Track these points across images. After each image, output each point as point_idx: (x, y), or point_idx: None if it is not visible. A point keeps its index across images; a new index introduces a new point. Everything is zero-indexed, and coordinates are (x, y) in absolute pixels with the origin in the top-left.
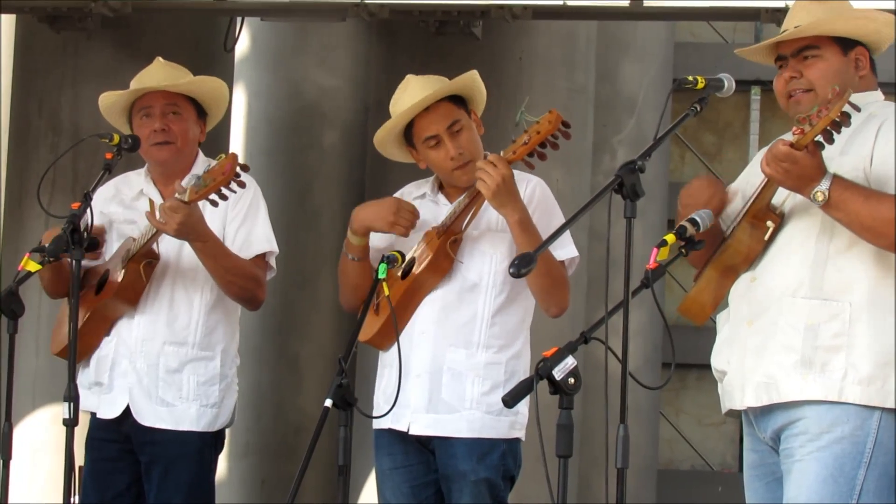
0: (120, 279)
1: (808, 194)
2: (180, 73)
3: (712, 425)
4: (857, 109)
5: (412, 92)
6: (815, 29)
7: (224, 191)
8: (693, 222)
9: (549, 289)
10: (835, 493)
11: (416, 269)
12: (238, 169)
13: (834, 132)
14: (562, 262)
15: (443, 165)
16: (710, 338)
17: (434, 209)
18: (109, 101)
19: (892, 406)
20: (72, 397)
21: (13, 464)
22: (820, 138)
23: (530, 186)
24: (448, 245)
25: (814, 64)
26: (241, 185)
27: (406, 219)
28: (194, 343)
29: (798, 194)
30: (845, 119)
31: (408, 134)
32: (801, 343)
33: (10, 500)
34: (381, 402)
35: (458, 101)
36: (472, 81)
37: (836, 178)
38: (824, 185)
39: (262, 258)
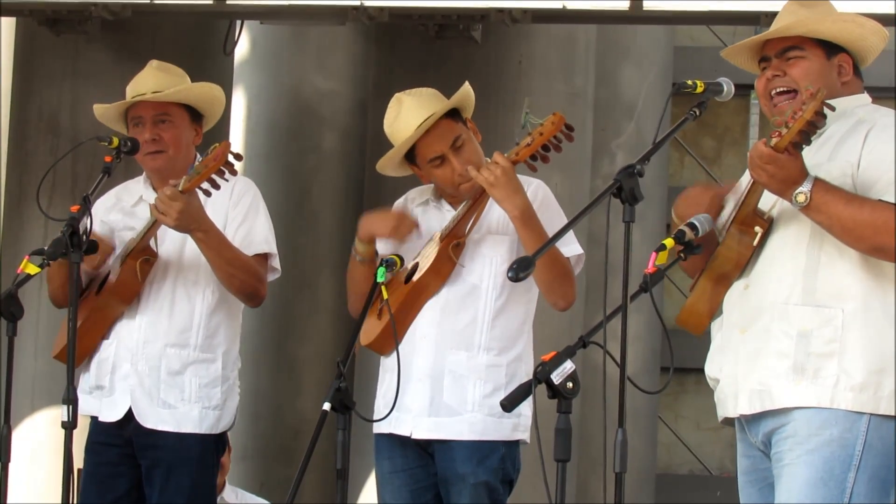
0: (116, 277)
1: (790, 196)
2: (173, 77)
3: (711, 430)
4: (832, 108)
5: (408, 114)
6: (801, 28)
7: (216, 178)
8: (692, 227)
9: (553, 282)
10: (825, 497)
11: (418, 273)
12: (231, 158)
13: (810, 133)
14: (567, 258)
15: (449, 182)
16: (708, 342)
17: (438, 215)
18: (101, 112)
19: (883, 412)
20: (70, 400)
21: (11, 466)
22: (797, 140)
23: (532, 188)
24: (450, 249)
25: (796, 64)
26: (234, 172)
27: (407, 227)
28: (196, 345)
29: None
30: (820, 119)
31: (409, 154)
32: (794, 349)
33: (8, 503)
34: (381, 406)
35: (454, 113)
36: (467, 95)
37: (818, 181)
38: (806, 187)
39: (262, 257)
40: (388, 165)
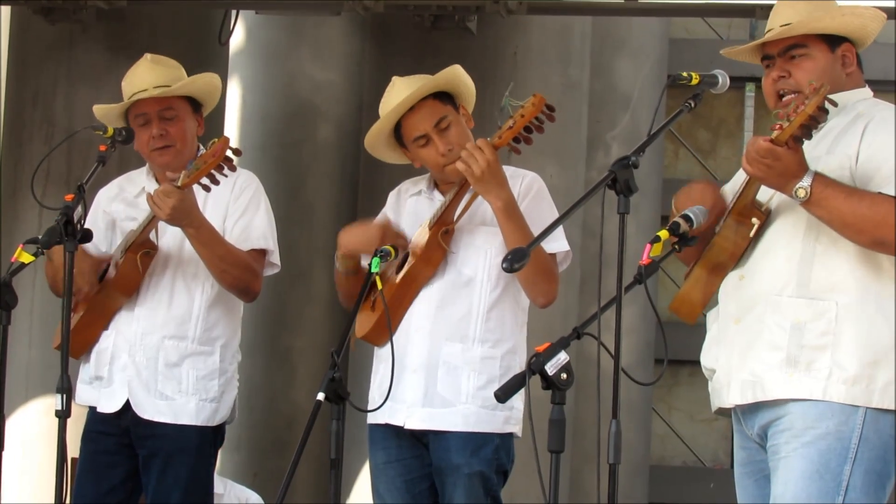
0: (117, 270)
1: (789, 191)
2: (170, 70)
3: (704, 421)
4: (834, 104)
5: (396, 93)
6: (804, 27)
7: (215, 174)
8: (686, 218)
9: (535, 278)
10: (821, 490)
11: (409, 263)
12: (230, 153)
13: (812, 127)
14: (552, 254)
15: (434, 163)
16: (702, 334)
17: (430, 206)
18: (103, 112)
19: (877, 406)
20: (65, 389)
21: (5, 455)
22: (798, 134)
23: (527, 180)
24: (439, 236)
25: (801, 63)
26: (233, 168)
27: (391, 238)
28: (194, 337)
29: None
30: (822, 114)
31: (399, 135)
32: (787, 342)
33: (1, 492)
34: (376, 397)
35: (445, 97)
36: (454, 76)
37: (818, 175)
38: (806, 182)
39: (259, 253)
40: (376, 144)
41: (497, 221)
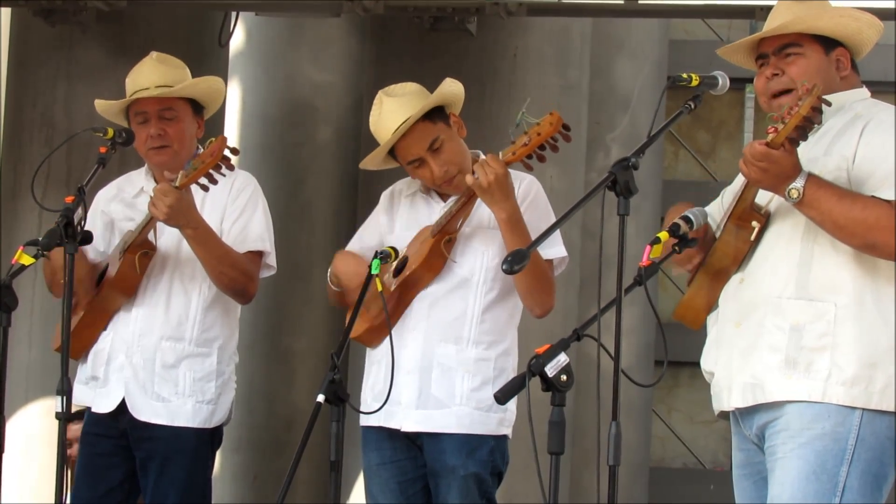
0: (115, 270)
1: (783, 192)
2: (174, 70)
3: (704, 423)
4: (828, 104)
5: (387, 117)
6: (799, 25)
7: (213, 174)
8: (686, 220)
9: (533, 288)
10: (818, 491)
11: (410, 268)
12: (228, 152)
13: (807, 129)
14: (549, 261)
15: (430, 182)
16: (702, 336)
17: (426, 207)
18: (103, 108)
19: (875, 407)
20: (65, 391)
21: (5, 457)
22: (794, 136)
23: (524, 184)
24: (442, 244)
25: (795, 61)
26: (231, 167)
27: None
28: (191, 339)
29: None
30: (816, 115)
31: (392, 151)
32: (787, 343)
33: (1, 493)
34: (368, 399)
35: (435, 111)
36: (447, 93)
37: (811, 177)
38: (799, 183)
39: (256, 255)
40: (372, 164)
41: (500, 232)
